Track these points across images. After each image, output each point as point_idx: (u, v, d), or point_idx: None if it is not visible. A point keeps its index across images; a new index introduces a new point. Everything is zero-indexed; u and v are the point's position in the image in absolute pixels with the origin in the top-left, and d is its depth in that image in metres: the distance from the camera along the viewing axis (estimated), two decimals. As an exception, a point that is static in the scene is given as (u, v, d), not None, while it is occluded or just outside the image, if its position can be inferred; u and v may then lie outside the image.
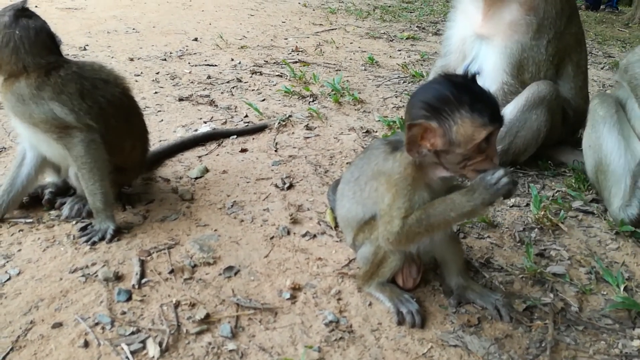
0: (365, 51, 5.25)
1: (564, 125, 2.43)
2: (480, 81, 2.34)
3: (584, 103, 2.50)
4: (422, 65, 4.76)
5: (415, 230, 1.39)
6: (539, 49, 2.30)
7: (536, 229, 2.02)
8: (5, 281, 1.60)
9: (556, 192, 2.32)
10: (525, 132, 2.30)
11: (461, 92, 1.31)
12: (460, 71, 2.49)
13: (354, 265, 1.79)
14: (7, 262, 1.69)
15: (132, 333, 1.42)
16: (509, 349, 1.45)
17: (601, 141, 2.04)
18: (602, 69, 5.37)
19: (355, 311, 1.58)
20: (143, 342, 1.40)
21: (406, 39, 6.15)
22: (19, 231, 1.84)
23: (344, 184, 1.66)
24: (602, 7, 11.84)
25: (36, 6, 5.93)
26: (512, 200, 2.24)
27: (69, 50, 4.22)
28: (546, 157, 2.55)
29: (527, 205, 2.21)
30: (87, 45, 4.43)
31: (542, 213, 2.04)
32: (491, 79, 2.37)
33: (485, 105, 1.31)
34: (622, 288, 1.67)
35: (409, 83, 4.00)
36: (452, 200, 1.36)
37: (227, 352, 1.38)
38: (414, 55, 5.21)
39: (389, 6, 9.28)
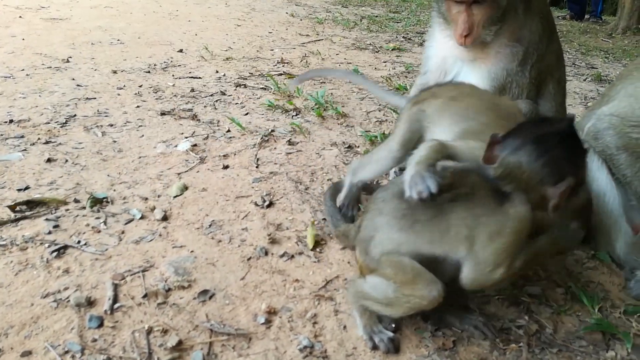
0: (350, 62, 5.27)
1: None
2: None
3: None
4: (406, 77, 4.79)
5: (510, 273, 1.40)
6: (524, 74, 2.32)
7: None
8: (-26, 307, 1.57)
9: (535, 210, 2.33)
10: None
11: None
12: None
13: (330, 287, 1.78)
14: (-23, 287, 1.66)
15: (102, 362, 1.40)
16: (483, 374, 1.44)
17: (590, 179, 1.96)
18: (584, 80, 5.43)
19: (331, 335, 1.57)
20: (113, 371, 1.37)
21: (392, 50, 6.19)
22: (-9, 254, 1.81)
23: (397, 216, 1.51)
24: (586, 16, 12.01)
25: (20, 16, 5.89)
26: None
27: (52, 62, 4.18)
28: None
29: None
30: (70, 57, 4.40)
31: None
32: None
33: None
34: (596, 309, 1.68)
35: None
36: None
37: (198, 381, 1.36)
38: (399, 67, 5.24)
39: (376, 16, 9.33)
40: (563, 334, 1.61)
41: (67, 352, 1.43)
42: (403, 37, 7.22)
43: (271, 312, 1.63)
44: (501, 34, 2.28)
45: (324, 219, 2.15)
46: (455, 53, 2.47)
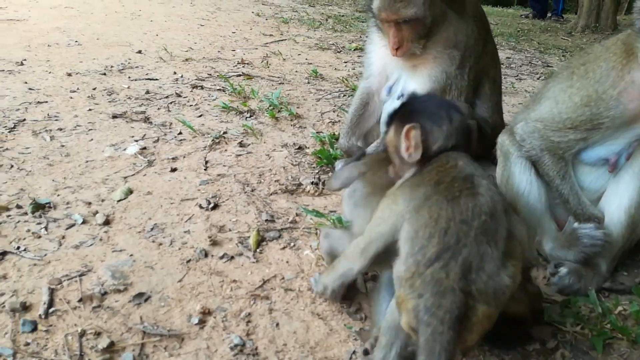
0: (311, 63, 5.33)
1: (481, 143, 2.54)
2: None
3: (500, 119, 2.63)
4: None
5: None
6: (463, 77, 2.41)
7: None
8: None
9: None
10: None
11: None
12: (383, 93, 2.57)
13: (267, 286, 1.84)
14: None
15: (32, 366, 1.43)
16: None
17: (512, 181, 2.07)
18: (538, 79, 5.61)
19: (263, 333, 1.63)
20: (42, 374, 1.40)
21: (354, 49, 6.27)
22: None
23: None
24: (548, 15, 12.32)
25: (-25, 18, 5.76)
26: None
27: (4, 65, 4.12)
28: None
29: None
30: (24, 59, 4.33)
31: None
32: None
33: None
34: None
35: (348, 97, 4.08)
36: None
37: (125, 382, 1.40)
38: (359, 67, 5.31)
39: (342, 16, 9.41)
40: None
41: (-2, 357, 1.45)
42: (367, 36, 7.30)
43: (205, 313, 1.67)
44: (436, 42, 2.36)
45: (266, 220, 2.21)
46: (395, 59, 2.55)
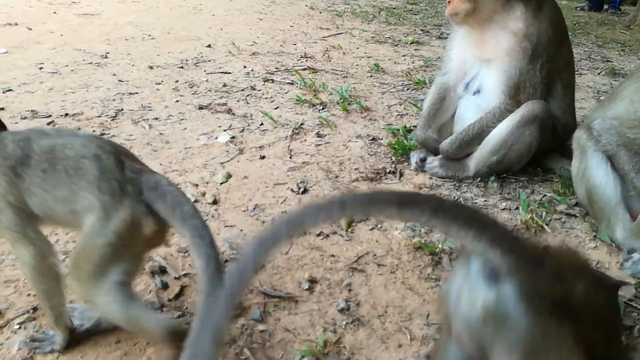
0: (370, 57, 5.50)
1: (553, 139, 2.68)
2: (479, 99, 2.61)
3: (571, 119, 2.76)
4: (425, 71, 5.01)
5: None
6: (535, 73, 2.55)
7: (523, 231, 2.28)
8: None
9: (543, 197, 2.58)
10: (519, 145, 2.56)
11: None
12: (460, 88, 2.74)
13: (362, 261, 2.07)
14: None
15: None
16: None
17: (589, 174, 2.21)
18: (599, 74, 5.59)
19: (364, 300, 1.86)
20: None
21: (410, 43, 6.39)
22: None
23: None
24: (605, 7, 12.00)
25: (54, 12, 6.21)
26: (504, 203, 2.51)
27: (92, 58, 4.49)
28: (536, 164, 2.81)
29: (517, 208, 2.47)
30: (107, 52, 4.70)
31: (529, 216, 2.30)
32: (490, 98, 2.63)
33: None
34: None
35: (412, 90, 4.26)
36: None
37: (258, 332, 1.66)
38: (418, 61, 5.45)
39: (394, 8, 9.50)
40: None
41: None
42: (421, 29, 7.40)
43: (313, 281, 1.92)
44: (507, 25, 2.52)
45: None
46: (473, 53, 2.71)
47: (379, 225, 2.29)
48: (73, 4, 6.86)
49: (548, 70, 2.60)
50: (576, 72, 5.59)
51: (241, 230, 2.19)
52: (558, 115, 2.67)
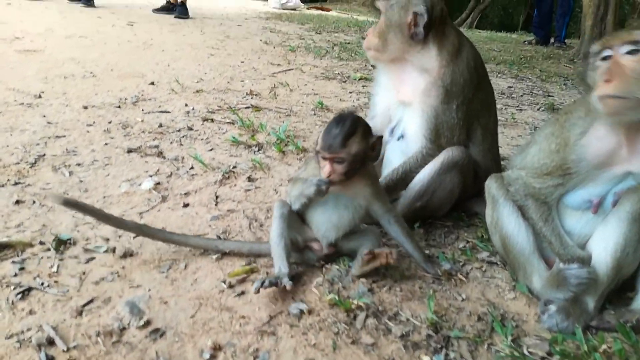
0: (317, 94, 5.52)
1: (475, 184, 2.68)
2: (403, 144, 2.60)
3: (493, 163, 2.78)
4: (368, 109, 5.03)
5: None
6: (451, 114, 2.56)
7: (443, 281, 2.24)
8: (-59, 350, 1.71)
9: (466, 244, 2.56)
10: (441, 192, 2.55)
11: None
12: (385, 133, 2.73)
13: (274, 321, 1.96)
14: (-56, 329, 1.80)
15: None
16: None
17: (501, 223, 2.21)
18: (538, 109, 5.76)
19: (270, 368, 1.75)
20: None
21: (359, 79, 6.47)
22: (-42, 297, 1.95)
23: None
24: (551, 41, 12.54)
25: (-6, 48, 6.01)
26: (428, 251, 2.46)
27: (24, 98, 4.33)
28: (462, 208, 2.80)
29: (439, 256, 2.43)
30: (42, 92, 4.54)
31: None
32: (413, 143, 2.63)
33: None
34: (509, 339, 1.88)
35: (352, 129, 4.23)
36: None
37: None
38: (363, 97, 5.49)
39: (348, 43, 9.66)
40: (477, 363, 1.82)
41: (26, 390, 1.58)
42: (372, 65, 7.49)
43: (216, 348, 1.80)
44: (422, 65, 2.56)
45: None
46: (395, 96, 2.72)
47: (300, 279, 2.20)
48: (16, 40, 6.69)
49: (465, 113, 2.61)
50: (516, 108, 5.75)
51: (148, 290, 2.06)
52: (479, 160, 2.68)
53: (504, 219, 2.19)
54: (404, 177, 2.60)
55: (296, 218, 2.24)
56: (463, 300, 2.14)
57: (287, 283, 2.02)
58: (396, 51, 2.58)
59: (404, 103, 2.67)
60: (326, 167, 2.05)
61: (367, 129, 2.13)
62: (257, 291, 2.00)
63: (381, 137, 2.19)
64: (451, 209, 2.73)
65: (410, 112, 2.63)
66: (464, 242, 2.59)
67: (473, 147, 2.66)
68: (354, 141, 2.05)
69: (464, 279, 2.26)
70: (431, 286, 2.21)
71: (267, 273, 2.23)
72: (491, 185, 2.27)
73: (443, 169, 2.49)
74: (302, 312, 2.00)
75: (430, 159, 2.55)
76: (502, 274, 2.34)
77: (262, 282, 2.01)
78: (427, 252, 2.45)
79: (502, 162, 3.13)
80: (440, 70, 2.53)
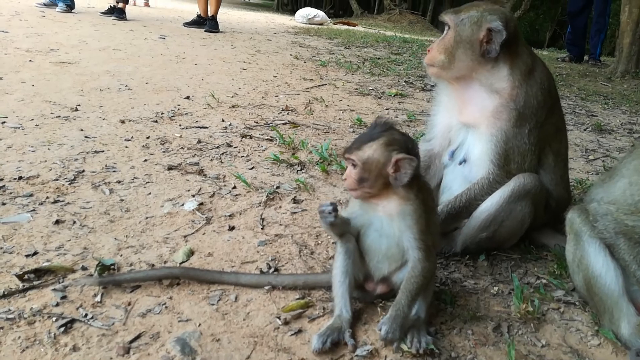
0: (354, 110, 5.37)
1: (546, 214, 2.48)
2: (466, 169, 2.40)
3: (565, 192, 2.57)
4: (409, 126, 4.87)
5: None
6: (523, 138, 2.36)
7: (518, 323, 2.03)
8: (-19, 389, 1.57)
9: (537, 279, 2.35)
10: (510, 222, 2.34)
11: None
12: (445, 157, 2.55)
13: (336, 365, 1.78)
14: (-16, 365, 1.66)
15: None
16: None
17: (586, 262, 1.98)
18: (585, 130, 5.51)
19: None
20: None
21: (394, 95, 6.31)
22: (0, 328, 1.82)
23: None
24: (585, 58, 12.24)
25: (30, 60, 6.02)
26: (495, 288, 2.26)
27: (61, 111, 4.27)
28: (529, 239, 2.60)
29: (510, 293, 2.23)
30: (79, 105, 4.48)
31: (524, 306, 2.05)
32: (477, 168, 2.42)
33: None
34: (602, 394, 1.67)
35: (396, 149, 4.06)
36: None
37: None
38: (401, 114, 5.33)
39: (378, 58, 9.54)
40: (570, 422, 1.61)
41: None
42: (405, 81, 7.36)
43: (277, 396, 1.62)
44: (492, 85, 2.39)
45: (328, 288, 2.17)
46: (458, 118, 2.53)
47: (360, 316, 2.02)
48: (51, 52, 6.71)
49: (537, 137, 2.42)
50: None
51: (199, 325, 1.90)
52: (551, 189, 2.47)
53: (590, 257, 1.97)
54: (468, 205, 2.40)
55: (359, 252, 2.05)
56: (543, 346, 1.93)
57: (350, 342, 1.82)
58: (464, 69, 2.39)
59: (467, 125, 2.48)
60: (347, 170, 1.90)
61: (392, 141, 1.82)
62: (318, 352, 1.80)
63: (412, 159, 1.78)
64: (517, 240, 2.52)
65: (475, 135, 2.44)
66: (534, 277, 2.38)
67: (544, 174, 2.46)
68: (370, 147, 1.81)
69: (544, 319, 2.04)
70: (506, 329, 2.00)
71: (323, 308, 2.05)
72: (574, 219, 2.05)
73: (514, 198, 2.29)
74: (370, 353, 1.82)
75: (498, 186, 2.35)
76: (582, 317, 2.12)
77: (324, 341, 1.81)
78: (495, 289, 2.25)
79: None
80: (513, 92, 2.34)
